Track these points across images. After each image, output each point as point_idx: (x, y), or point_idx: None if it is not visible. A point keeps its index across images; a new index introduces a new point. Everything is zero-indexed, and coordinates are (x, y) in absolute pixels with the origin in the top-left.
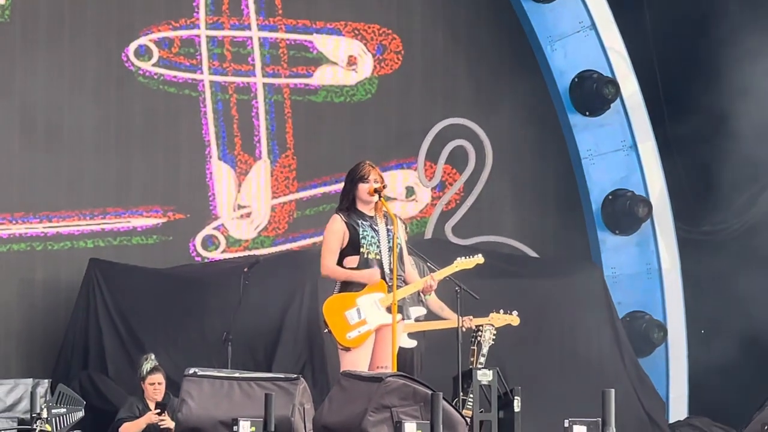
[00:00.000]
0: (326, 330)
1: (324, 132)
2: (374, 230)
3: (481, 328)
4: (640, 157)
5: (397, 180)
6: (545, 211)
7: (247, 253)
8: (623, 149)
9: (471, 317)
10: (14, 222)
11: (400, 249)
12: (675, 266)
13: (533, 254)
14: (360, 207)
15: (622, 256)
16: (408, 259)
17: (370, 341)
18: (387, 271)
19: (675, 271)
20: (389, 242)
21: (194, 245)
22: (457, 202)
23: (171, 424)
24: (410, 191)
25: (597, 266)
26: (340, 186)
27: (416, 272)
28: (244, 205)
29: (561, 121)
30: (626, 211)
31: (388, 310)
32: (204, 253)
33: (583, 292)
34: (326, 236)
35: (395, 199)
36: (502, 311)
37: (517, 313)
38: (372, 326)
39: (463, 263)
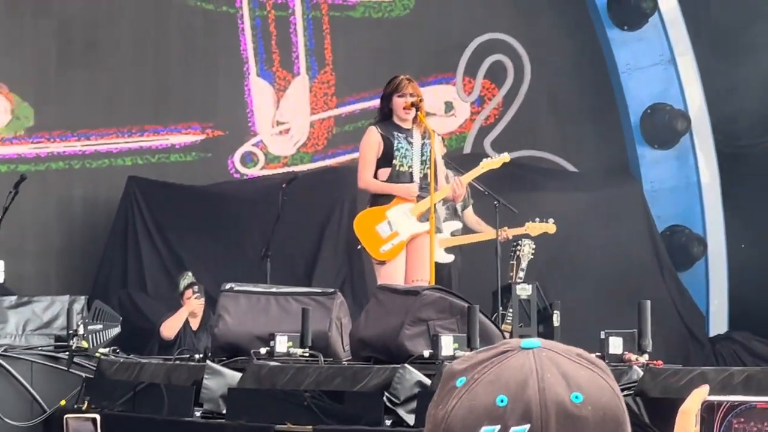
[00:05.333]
0: (359, 246)
1: (362, 48)
2: (409, 143)
3: (520, 242)
4: (678, 71)
5: (435, 95)
6: (584, 125)
7: (285, 169)
8: (661, 63)
9: (506, 228)
10: (53, 140)
11: (435, 162)
12: (714, 180)
13: (572, 168)
14: (396, 120)
15: (662, 170)
16: (442, 174)
17: (404, 253)
18: (417, 181)
19: (714, 184)
20: (423, 155)
21: (233, 162)
22: (496, 117)
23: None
24: (449, 106)
25: (636, 180)
26: (378, 102)
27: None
28: (282, 122)
29: (599, 36)
30: (665, 125)
31: (420, 219)
32: (243, 170)
33: (623, 206)
34: (362, 149)
35: (434, 114)
36: (537, 220)
37: (553, 220)
38: (404, 237)
39: (489, 163)
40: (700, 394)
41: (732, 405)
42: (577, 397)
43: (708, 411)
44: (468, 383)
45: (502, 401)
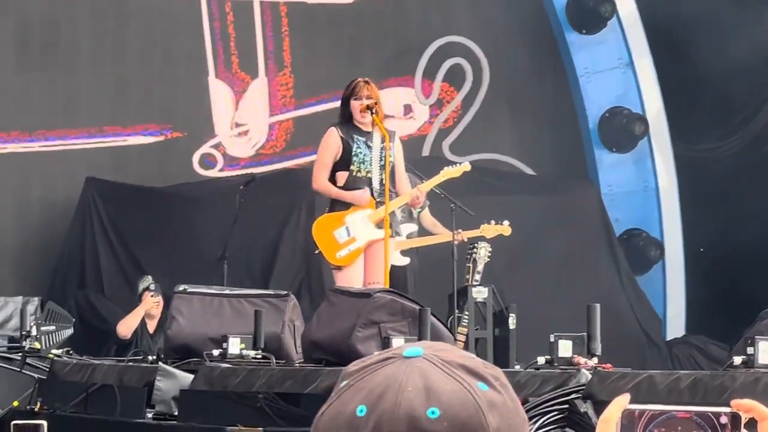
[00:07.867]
0: (317, 251)
1: (321, 50)
2: (368, 147)
3: (476, 245)
4: (636, 75)
5: (394, 98)
6: (542, 129)
7: (244, 171)
8: (620, 67)
9: (460, 230)
10: (10, 141)
11: (393, 166)
12: (672, 184)
13: (530, 172)
14: (356, 123)
15: (619, 174)
16: (404, 176)
17: (362, 259)
18: (377, 186)
19: (672, 188)
20: (382, 159)
21: (192, 163)
22: (455, 120)
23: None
24: (408, 109)
25: (594, 184)
26: (337, 104)
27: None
28: (241, 123)
29: (558, 39)
30: (623, 129)
31: (377, 226)
32: (201, 172)
33: (580, 209)
34: (320, 150)
35: (393, 116)
36: (493, 222)
37: (508, 223)
38: (361, 243)
39: (449, 172)
40: (621, 402)
41: (653, 414)
42: (433, 413)
43: (628, 419)
44: (344, 387)
45: (361, 411)
